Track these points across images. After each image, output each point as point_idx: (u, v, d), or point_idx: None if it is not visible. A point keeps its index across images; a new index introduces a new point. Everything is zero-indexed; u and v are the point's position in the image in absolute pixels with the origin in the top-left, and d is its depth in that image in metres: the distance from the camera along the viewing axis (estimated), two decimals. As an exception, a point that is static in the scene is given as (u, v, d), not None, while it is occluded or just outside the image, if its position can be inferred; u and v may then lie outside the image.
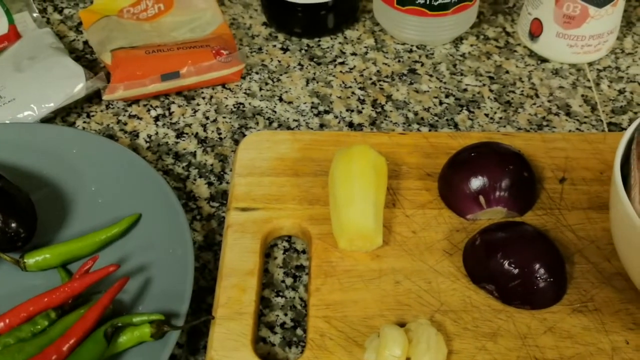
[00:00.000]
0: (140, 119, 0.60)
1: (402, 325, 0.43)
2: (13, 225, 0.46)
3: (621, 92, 0.61)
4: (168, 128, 0.59)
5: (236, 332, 0.43)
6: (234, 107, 0.61)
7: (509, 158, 0.50)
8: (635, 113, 0.59)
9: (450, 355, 0.42)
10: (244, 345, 0.43)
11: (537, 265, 0.44)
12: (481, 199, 0.49)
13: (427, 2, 0.62)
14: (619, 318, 0.44)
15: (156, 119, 0.60)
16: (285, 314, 0.47)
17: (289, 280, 0.48)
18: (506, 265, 0.44)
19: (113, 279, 0.45)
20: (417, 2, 0.62)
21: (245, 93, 0.62)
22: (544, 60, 0.64)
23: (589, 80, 0.62)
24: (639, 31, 0.67)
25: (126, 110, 0.60)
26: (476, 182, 0.49)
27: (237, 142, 0.57)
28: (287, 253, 0.50)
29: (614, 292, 0.45)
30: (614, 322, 0.44)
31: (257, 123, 0.59)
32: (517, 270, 0.44)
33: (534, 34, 0.64)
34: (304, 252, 0.50)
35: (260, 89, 0.62)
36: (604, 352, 0.42)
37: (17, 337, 0.41)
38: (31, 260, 0.46)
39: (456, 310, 0.45)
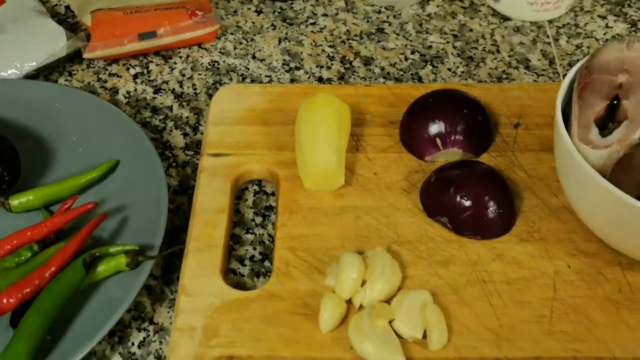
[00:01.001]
0: (120, 77, 0.63)
1: (361, 254, 0.46)
2: (-2, 169, 0.49)
3: (578, 47, 0.65)
4: (146, 85, 0.62)
5: (206, 263, 0.46)
6: (209, 65, 0.64)
7: (464, 103, 0.53)
8: (590, 66, 0.62)
9: (405, 280, 0.46)
10: (214, 274, 0.46)
11: (487, 198, 0.47)
12: (438, 141, 0.52)
13: (393, -37, 0.65)
14: (563, 246, 0.47)
15: (135, 76, 0.63)
16: (254, 249, 0.50)
17: (258, 219, 0.52)
18: (458, 198, 0.47)
19: (92, 218, 0.48)
20: (383, -37, 0.65)
21: (220, 52, 0.65)
22: (506, 18, 0.67)
23: (548, 37, 0.66)
24: (598, -9, 0.70)
25: (106, 69, 0.63)
26: (433, 126, 0.52)
27: (211, 97, 0.60)
28: (257, 195, 0.53)
29: (559, 223, 0.49)
30: (558, 249, 0.47)
31: (231, 79, 0.62)
32: (468, 202, 0.47)
33: (496, -7, 0.67)
34: (273, 194, 0.53)
35: (235, 48, 0.65)
36: (547, 275, 0.46)
37: (2, 266, 0.45)
38: (15, 201, 0.50)
39: (412, 241, 0.48)
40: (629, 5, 0.69)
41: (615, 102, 0.45)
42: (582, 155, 0.43)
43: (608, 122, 0.45)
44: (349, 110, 0.53)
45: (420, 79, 0.62)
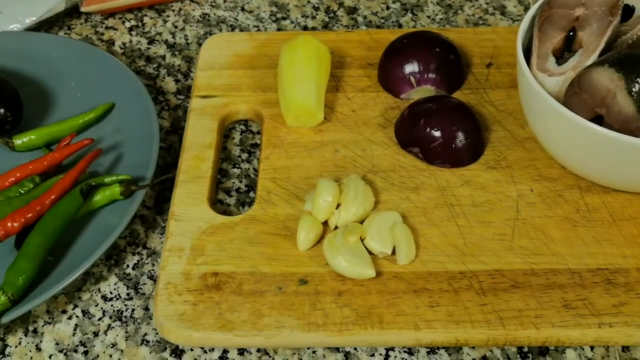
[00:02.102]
0: (116, 29, 0.66)
1: (337, 182, 0.50)
2: (1, 110, 0.53)
3: (553, -7, 0.67)
4: (141, 37, 0.65)
5: (195, 192, 0.50)
6: (200, 17, 0.67)
7: (436, 43, 0.56)
8: (564, 10, 0.65)
9: (378, 205, 0.49)
10: (202, 202, 0.50)
11: (455, 128, 0.51)
12: (412, 79, 0.55)
13: None
14: (527, 172, 0.51)
15: (130, 29, 0.66)
16: (241, 181, 0.54)
17: (244, 155, 0.55)
18: (428, 129, 0.51)
19: (90, 151, 0.52)
20: None
21: (211, 5, 0.68)
22: (485, -32, 0.70)
23: (525, -16, 0.68)
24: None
25: (103, 23, 0.67)
26: (407, 65, 0.55)
27: (201, 46, 0.64)
28: (243, 134, 0.57)
29: (525, 152, 0.52)
30: (522, 175, 0.50)
31: (221, 30, 0.66)
32: (438, 133, 0.50)
33: (476, -56, 0.69)
34: (258, 132, 0.57)
35: (225, 1, 0.68)
36: (511, 198, 0.49)
37: (7, 195, 0.49)
38: (18, 141, 0.53)
39: (386, 170, 0.51)
40: (605, -47, 0.71)
41: (572, 33, 0.48)
42: (540, 83, 0.46)
43: (565, 52, 0.48)
44: (328, 51, 0.56)
45: (400, 26, 0.65)
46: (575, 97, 0.44)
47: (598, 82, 0.42)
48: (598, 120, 0.43)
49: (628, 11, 0.50)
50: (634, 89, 0.40)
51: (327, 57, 0.56)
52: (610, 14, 0.47)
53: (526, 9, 0.66)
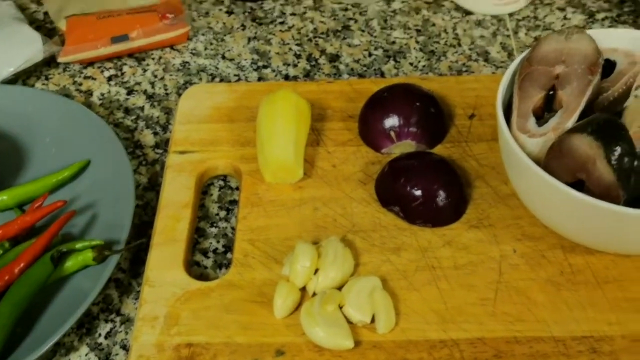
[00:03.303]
0: (95, 79, 0.65)
1: (317, 244, 0.49)
2: (-27, 170, 0.52)
3: (537, 38, 0.66)
4: (120, 86, 0.64)
5: (170, 255, 0.49)
6: (181, 66, 0.66)
7: (417, 97, 0.55)
8: (548, 56, 0.64)
9: (358, 267, 0.48)
10: (177, 266, 0.48)
11: (436, 187, 0.50)
12: (392, 134, 0.54)
13: (355, -38, 0.67)
14: (510, 231, 0.49)
15: (109, 79, 0.65)
16: (218, 241, 0.52)
17: (222, 213, 0.54)
18: (409, 188, 0.50)
19: (63, 213, 0.51)
20: (346, -38, 0.67)
21: (191, 53, 0.67)
22: (469, 12, 0.69)
23: (508, 30, 0.67)
24: (559, -17, 0.72)
25: (82, 72, 0.66)
26: (387, 119, 0.54)
27: (180, 95, 0.63)
28: (222, 190, 0.56)
29: (508, 209, 0.51)
30: (505, 234, 0.49)
31: (201, 79, 0.65)
32: (418, 192, 0.49)
33: (458, -11, 0.69)
34: (237, 189, 0.56)
35: (205, 49, 0.67)
36: (493, 260, 0.48)
37: (-24, 262, 0.47)
38: (-10, 202, 0.52)
39: (366, 230, 0.50)
40: (589, -4, 0.70)
41: (552, 92, 0.47)
42: (520, 144, 0.45)
43: (546, 111, 0.47)
44: (308, 105, 0.56)
45: (382, 74, 0.64)
46: (555, 160, 0.43)
47: (578, 149, 0.41)
48: (580, 183, 0.43)
49: (609, 66, 0.50)
50: (613, 158, 0.39)
51: (306, 111, 0.55)
52: (590, 73, 0.46)
53: (509, 55, 0.65)
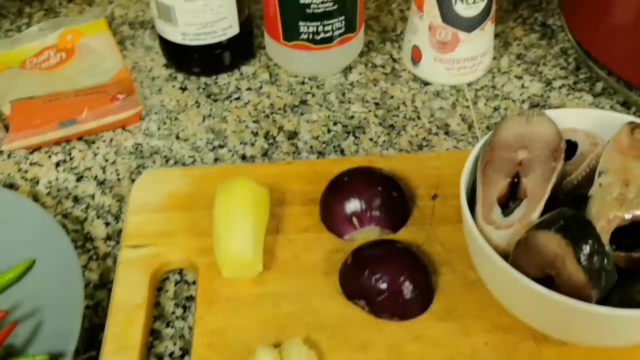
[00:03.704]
0: (41, 165, 0.62)
1: (279, 345, 0.46)
2: None
3: (496, 109, 0.66)
4: (68, 173, 0.61)
5: (122, 365, 0.46)
6: (133, 148, 0.63)
7: (378, 180, 0.53)
8: (508, 128, 0.64)
9: (324, 370, 0.46)
10: (130, 377, 0.45)
11: (402, 279, 0.48)
12: (354, 220, 0.52)
13: (311, 37, 0.66)
14: (480, 322, 0.48)
15: (57, 164, 0.62)
16: (175, 344, 0.49)
17: (179, 311, 0.51)
18: (373, 281, 0.48)
19: (5, 323, 0.47)
20: (300, 37, 0.66)
21: (144, 133, 0.65)
22: (427, 83, 0.69)
23: (467, 100, 0.67)
24: (515, 50, 0.72)
25: (27, 159, 0.63)
26: (349, 204, 0.52)
27: (134, 181, 0.60)
28: (178, 285, 0.53)
29: (476, 298, 0.49)
30: (475, 325, 0.47)
31: (154, 162, 0.62)
32: (384, 285, 0.47)
33: (415, 60, 0.68)
34: (194, 282, 0.53)
35: (159, 129, 0.65)
36: (464, 355, 0.46)
37: None
38: None
39: (331, 327, 0.48)
40: (544, 64, 0.71)
41: (516, 179, 0.46)
42: (486, 236, 0.43)
43: (511, 200, 0.46)
44: (267, 192, 0.53)
45: (342, 151, 0.63)
46: (523, 256, 0.41)
47: (545, 247, 0.39)
48: (550, 277, 0.41)
49: (571, 147, 0.49)
50: (582, 258, 0.37)
51: (265, 199, 0.53)
52: (553, 159, 0.45)
53: (470, 126, 0.64)
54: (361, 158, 0.59)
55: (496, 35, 0.74)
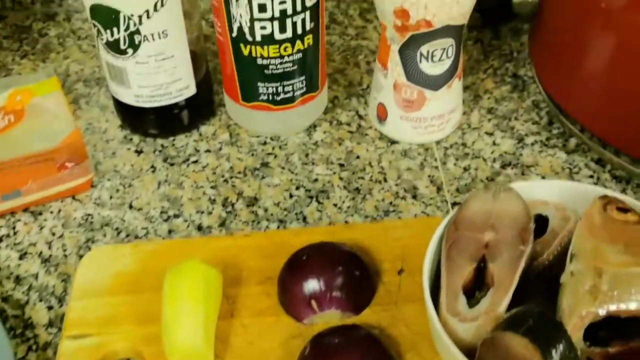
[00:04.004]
0: (-16, 241, 0.58)
1: None
2: None
3: (466, 169, 0.63)
4: (11, 249, 0.57)
5: None
6: (82, 219, 0.60)
7: (339, 258, 0.50)
8: (478, 190, 0.61)
9: None
10: None
11: (364, 372, 0.44)
12: (313, 302, 0.48)
13: (270, 98, 0.62)
14: (449, 416, 0.44)
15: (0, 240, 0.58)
16: None
17: (124, 408, 0.47)
18: (333, 374, 0.44)
19: None
20: (260, 98, 0.63)
21: (95, 203, 0.61)
22: (394, 142, 0.66)
23: (436, 160, 0.64)
24: (485, 104, 0.70)
25: (-31, 233, 0.59)
26: (307, 286, 0.49)
27: (82, 257, 0.56)
28: (124, 377, 0.49)
29: (445, 388, 0.45)
30: (444, 421, 0.44)
31: (105, 235, 0.58)
32: (344, 378, 0.44)
33: (381, 118, 0.65)
34: (142, 373, 0.49)
35: (111, 197, 0.61)
36: None
37: None
38: None
39: None
40: (516, 118, 0.68)
41: (482, 264, 0.42)
42: (451, 329, 0.40)
43: (477, 286, 0.43)
44: (219, 275, 0.50)
45: (304, 219, 0.59)
46: (490, 354, 0.38)
47: (513, 348, 0.36)
48: (519, 375, 0.38)
49: (542, 221, 0.46)
50: (552, 365, 0.34)
51: (217, 283, 0.49)
52: (521, 242, 0.42)
53: (439, 189, 0.61)
54: (324, 229, 0.56)
55: (466, 88, 0.71)
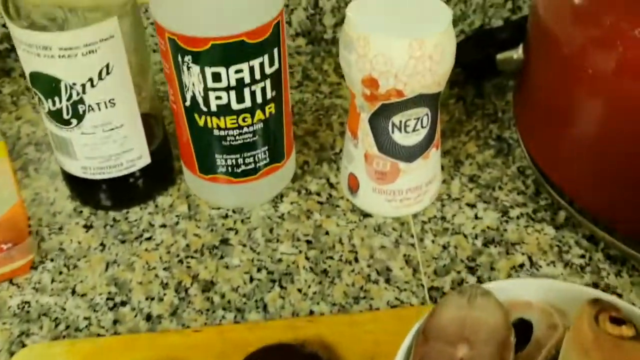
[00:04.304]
0: None
1: None
2: None
3: (445, 247, 0.57)
4: (-64, 344, 0.51)
5: None
6: (18, 308, 0.54)
7: (297, 365, 0.44)
8: (458, 272, 0.55)
9: None
10: None
11: None
12: (266, 419, 0.42)
13: (230, 170, 0.57)
14: None
15: None
16: None
17: None
18: None
19: None
20: (218, 171, 0.57)
21: (34, 288, 0.55)
22: (367, 214, 0.60)
23: (412, 236, 0.58)
24: (467, 171, 0.64)
25: None
26: (260, 400, 0.43)
27: (13, 355, 0.50)
28: None
29: None
30: None
31: (42, 327, 0.52)
32: None
33: (353, 189, 0.60)
34: None
35: (52, 281, 0.56)
36: None
37: None
38: None
39: None
40: (500, 188, 0.62)
41: (455, 387, 0.37)
42: None
43: (450, 414, 0.37)
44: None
45: (265, 307, 0.53)
46: None
47: None
48: None
49: (525, 326, 0.40)
50: None
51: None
52: (500, 358, 0.36)
53: (415, 270, 0.55)
54: (285, 322, 0.50)
55: (446, 152, 0.66)
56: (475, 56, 0.72)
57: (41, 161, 0.67)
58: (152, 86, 0.59)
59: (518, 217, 0.60)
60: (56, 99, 0.53)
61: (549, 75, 0.56)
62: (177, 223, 0.60)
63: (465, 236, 0.58)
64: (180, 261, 0.57)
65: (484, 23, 0.81)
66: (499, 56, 0.68)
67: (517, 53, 0.64)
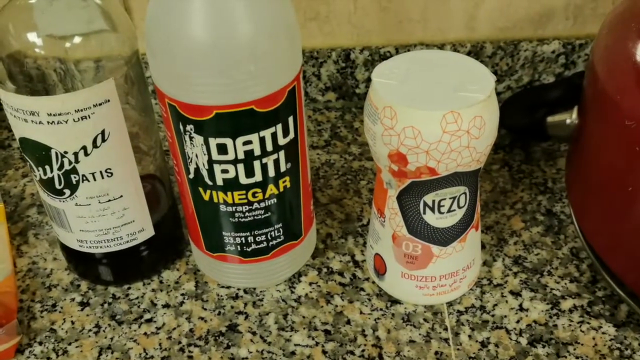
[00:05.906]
0: None
1: None
2: None
3: (484, 344, 0.49)
4: None
5: None
6: (-3, 401, 0.48)
7: None
8: (500, 379, 0.47)
9: None
10: None
11: None
12: None
13: (239, 249, 0.51)
14: None
15: None
16: None
17: None
18: None
19: None
20: (226, 249, 0.51)
21: (16, 377, 0.49)
22: (395, 301, 0.53)
23: (446, 329, 0.50)
24: (512, 251, 0.56)
25: None
26: None
27: None
28: None
29: None
30: None
31: None
32: None
33: (379, 272, 0.53)
34: None
35: (36, 369, 0.50)
36: None
37: None
38: None
39: None
40: (549, 273, 0.54)
41: None
42: None
43: None
44: None
45: (272, 413, 0.46)
46: None
47: None
48: None
49: None
50: None
51: None
52: None
53: (448, 373, 0.48)
54: None
55: (488, 228, 0.58)
56: (523, 118, 0.64)
57: (42, 225, 0.62)
58: (158, 145, 0.53)
59: (571, 311, 0.51)
60: (47, 167, 0.48)
61: (608, 146, 0.48)
62: (181, 303, 0.54)
63: (508, 332, 0.50)
64: (182, 349, 0.50)
65: (533, 79, 0.73)
66: (550, 119, 0.60)
67: (571, 117, 0.56)
